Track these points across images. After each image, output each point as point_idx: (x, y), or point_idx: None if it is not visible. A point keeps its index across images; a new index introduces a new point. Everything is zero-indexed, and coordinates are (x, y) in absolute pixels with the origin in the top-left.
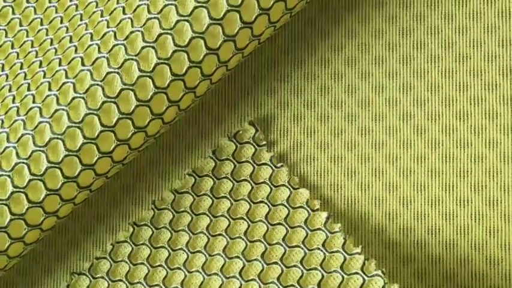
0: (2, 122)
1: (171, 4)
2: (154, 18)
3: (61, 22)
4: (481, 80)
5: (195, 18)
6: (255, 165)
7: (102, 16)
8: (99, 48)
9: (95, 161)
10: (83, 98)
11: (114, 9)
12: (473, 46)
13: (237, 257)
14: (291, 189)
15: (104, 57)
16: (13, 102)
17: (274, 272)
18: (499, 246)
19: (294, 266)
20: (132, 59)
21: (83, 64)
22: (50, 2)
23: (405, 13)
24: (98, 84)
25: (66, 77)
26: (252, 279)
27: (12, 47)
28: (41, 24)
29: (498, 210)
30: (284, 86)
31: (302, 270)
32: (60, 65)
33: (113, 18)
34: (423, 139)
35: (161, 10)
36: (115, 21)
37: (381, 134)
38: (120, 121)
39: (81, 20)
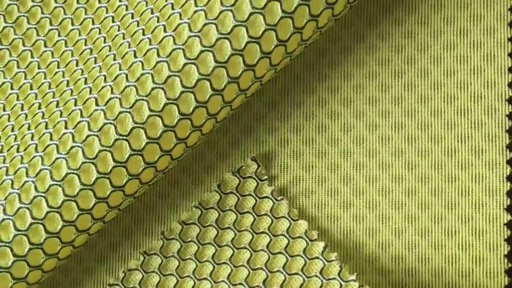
0: (22, 158)
1: (179, 48)
2: (163, 61)
3: (76, 65)
4: (468, 119)
5: (201, 61)
6: (257, 198)
7: (114, 60)
8: (112, 89)
9: (108, 195)
10: (97, 135)
11: (126, 53)
12: (461, 88)
13: (241, 283)
14: (291, 220)
15: (116, 97)
16: (31, 139)
17: None
18: (484, 273)
19: None
20: (142, 100)
21: (96, 104)
22: (66, 46)
23: (397, 56)
24: (110, 123)
25: (81, 116)
26: None
27: (31, 88)
28: (58, 67)
29: (484, 240)
30: (284, 125)
31: None
32: (75, 105)
33: (124, 61)
34: (414, 174)
35: (170, 53)
36: (126, 64)
37: (374, 169)
38: (132, 157)
39: (95, 63)
